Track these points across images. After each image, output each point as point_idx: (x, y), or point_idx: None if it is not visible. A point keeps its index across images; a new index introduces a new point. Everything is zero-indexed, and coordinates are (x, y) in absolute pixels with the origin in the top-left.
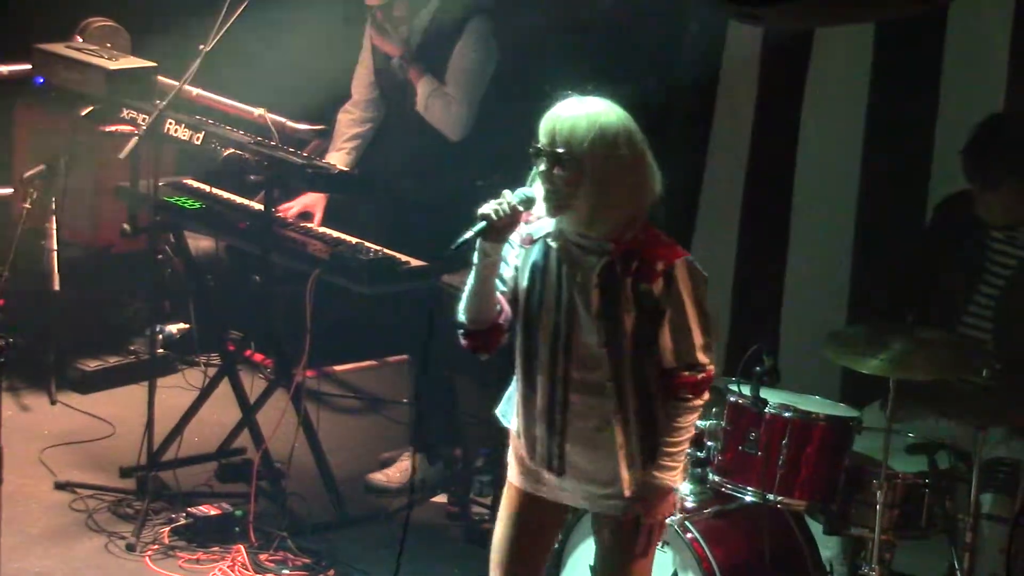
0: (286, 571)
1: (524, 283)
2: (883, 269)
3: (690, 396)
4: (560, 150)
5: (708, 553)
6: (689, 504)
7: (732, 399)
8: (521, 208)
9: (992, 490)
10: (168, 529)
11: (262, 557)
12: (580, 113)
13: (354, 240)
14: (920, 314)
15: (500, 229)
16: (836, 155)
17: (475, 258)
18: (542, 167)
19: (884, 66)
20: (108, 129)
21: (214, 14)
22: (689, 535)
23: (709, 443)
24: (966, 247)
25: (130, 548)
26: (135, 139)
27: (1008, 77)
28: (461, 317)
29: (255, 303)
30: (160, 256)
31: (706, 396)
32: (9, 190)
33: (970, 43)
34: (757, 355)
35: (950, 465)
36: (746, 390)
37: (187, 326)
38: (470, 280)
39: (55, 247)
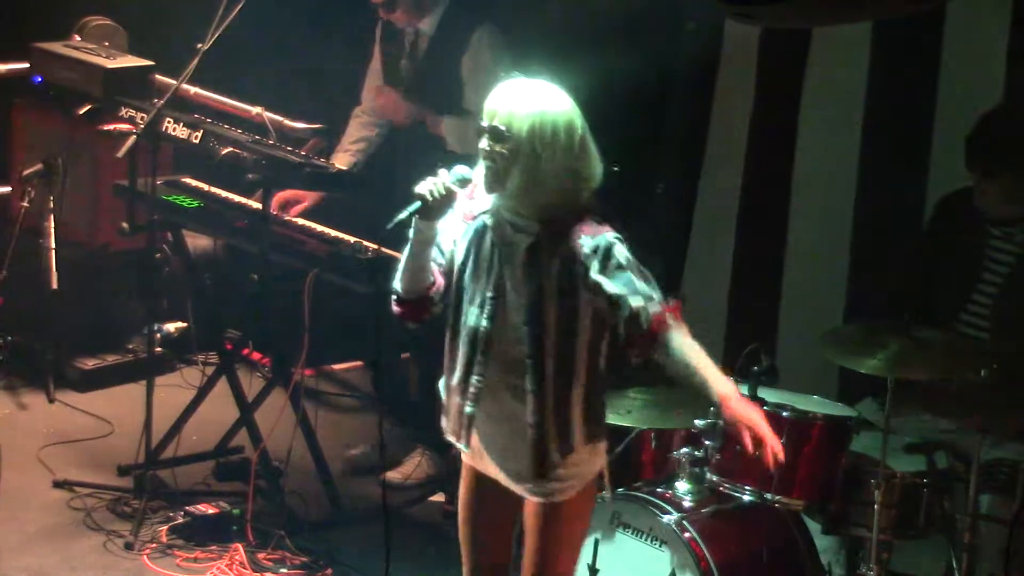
0: (284, 570)
1: (459, 257)
2: (881, 268)
3: (675, 322)
4: (500, 127)
5: (706, 552)
6: (687, 503)
7: None
8: (456, 188)
9: (990, 491)
10: (166, 528)
11: (260, 556)
12: (523, 93)
13: (352, 239)
14: (918, 313)
15: (435, 208)
16: (834, 154)
17: (410, 233)
18: (483, 144)
19: (882, 64)
20: (106, 128)
21: (212, 12)
22: (687, 534)
23: (707, 442)
24: (963, 245)
25: (128, 546)
26: (133, 137)
27: (1006, 74)
28: (395, 285)
29: (253, 302)
30: (158, 255)
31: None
32: (7, 189)
33: (968, 40)
34: (755, 354)
35: (948, 465)
36: (744, 389)
37: (185, 325)
38: (404, 252)
39: (53, 246)
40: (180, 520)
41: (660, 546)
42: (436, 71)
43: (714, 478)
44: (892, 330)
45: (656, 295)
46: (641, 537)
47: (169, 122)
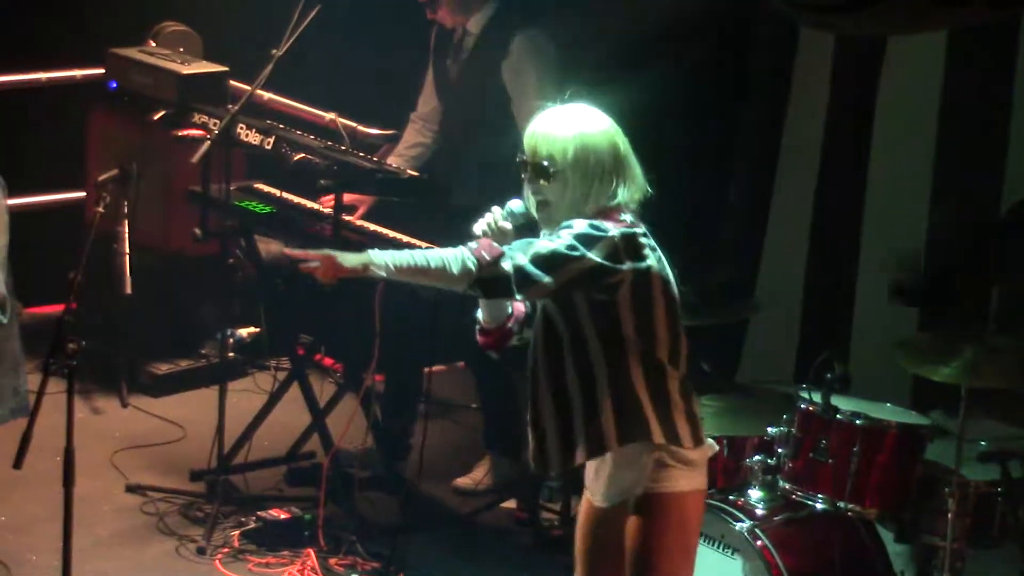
0: (356, 575)
1: None
2: (955, 278)
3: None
4: (544, 163)
5: (778, 560)
6: (759, 511)
7: (803, 406)
8: (509, 224)
9: None
10: (238, 533)
11: (331, 561)
12: (561, 124)
13: (424, 245)
14: (992, 321)
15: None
16: (908, 160)
17: None
18: (527, 178)
19: (957, 71)
20: (180, 133)
21: (287, 18)
22: (759, 543)
23: (779, 450)
24: None
25: (200, 551)
26: (207, 143)
27: None
28: (478, 314)
29: (325, 307)
30: (231, 260)
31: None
32: (82, 194)
33: None
34: (828, 362)
35: (1023, 474)
36: (817, 397)
37: (257, 330)
38: None
39: (127, 251)
40: (252, 525)
41: (732, 554)
42: (479, 74)
43: (786, 486)
44: (966, 338)
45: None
46: (713, 545)
47: (242, 128)
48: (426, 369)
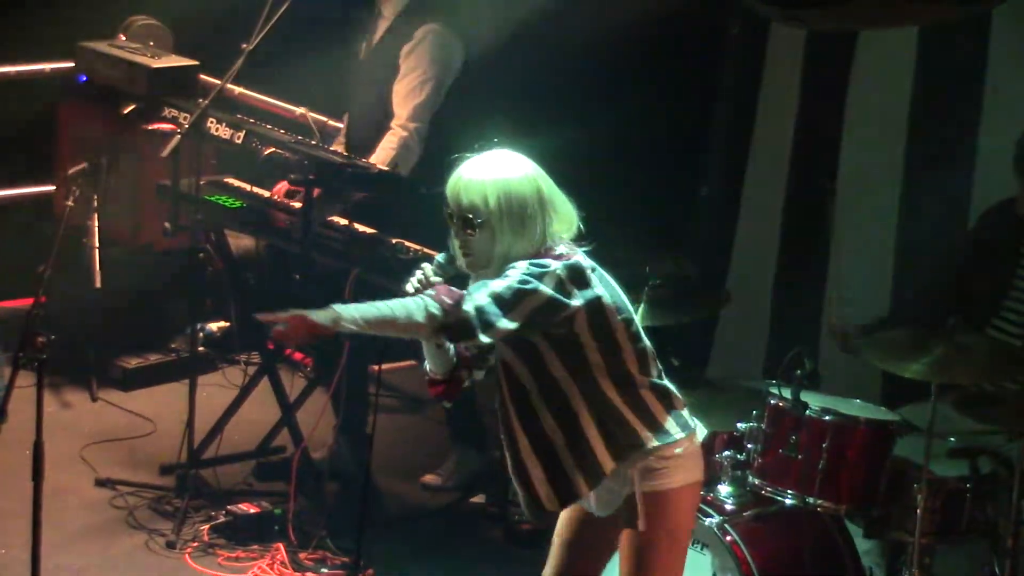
0: (325, 570)
1: None
2: (925, 274)
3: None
4: (469, 214)
5: (748, 556)
6: (729, 507)
7: (772, 402)
8: (440, 278)
9: None
10: (208, 527)
11: (301, 556)
12: (484, 174)
13: (394, 240)
14: (961, 318)
15: None
16: (879, 159)
17: None
18: (455, 230)
19: (928, 68)
20: (150, 127)
21: (257, 13)
22: (728, 538)
23: (749, 445)
24: (1001, 252)
25: (170, 545)
26: (177, 137)
27: None
28: (425, 366)
29: (295, 302)
30: (201, 255)
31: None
32: (52, 188)
33: (1014, 44)
34: (797, 358)
35: (992, 470)
36: (787, 393)
37: (227, 324)
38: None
39: (97, 245)
40: (222, 519)
41: (702, 549)
42: (381, 58)
43: (756, 481)
44: (935, 335)
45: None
46: None
47: (213, 122)
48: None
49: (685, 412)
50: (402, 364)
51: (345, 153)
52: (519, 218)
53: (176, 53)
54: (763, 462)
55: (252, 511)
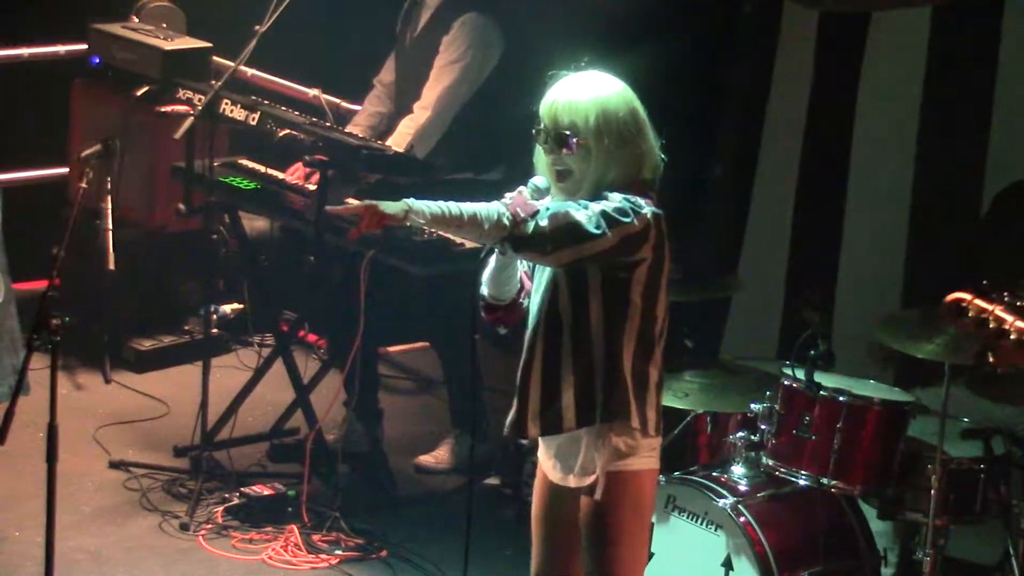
0: (339, 551)
1: None
2: (938, 255)
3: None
4: (566, 132)
5: (761, 537)
6: (742, 488)
7: (786, 383)
8: (536, 201)
9: None
10: (222, 509)
11: (315, 537)
12: (581, 91)
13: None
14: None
15: None
16: (891, 140)
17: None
18: (547, 148)
19: (941, 49)
20: (164, 109)
21: None
22: (742, 519)
23: (762, 426)
24: (1012, 235)
25: (184, 527)
26: (190, 119)
27: None
28: (483, 290)
29: (309, 283)
30: (215, 236)
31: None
32: (66, 170)
33: None
34: (811, 339)
35: (1006, 451)
36: (800, 374)
37: (241, 306)
38: (493, 258)
39: (110, 227)
40: (235, 501)
41: (715, 530)
42: (425, 49)
43: (770, 462)
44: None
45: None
46: (696, 521)
47: (226, 104)
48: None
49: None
50: (416, 346)
51: (360, 135)
52: (617, 138)
53: (189, 35)
54: (777, 443)
55: (266, 493)
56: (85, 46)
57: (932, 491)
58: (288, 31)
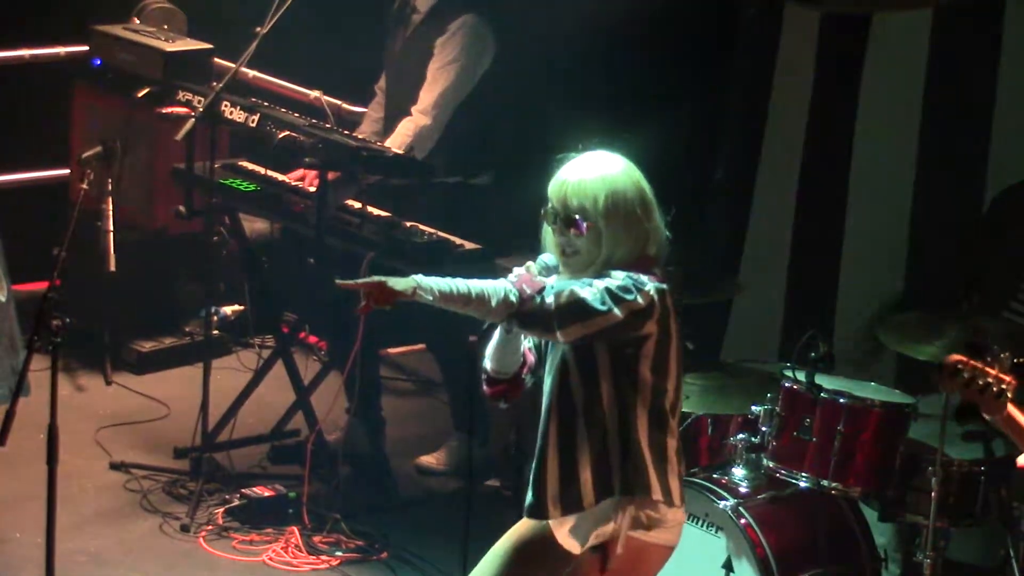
0: (339, 553)
1: None
2: (939, 256)
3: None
4: (576, 215)
5: (762, 539)
6: (743, 489)
7: (787, 384)
8: (545, 279)
9: None
10: (222, 510)
11: (316, 539)
12: (592, 174)
13: (408, 223)
14: (975, 301)
15: None
16: (893, 142)
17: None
18: (557, 229)
19: (942, 49)
20: (164, 111)
21: None
22: (743, 521)
23: (763, 428)
24: (1013, 237)
25: (184, 529)
26: (191, 121)
27: None
28: (486, 364)
29: (310, 285)
30: (215, 238)
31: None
32: (66, 171)
33: None
34: (812, 341)
35: (1007, 453)
36: (801, 376)
37: (242, 308)
38: (497, 332)
39: (111, 228)
40: (236, 503)
41: (716, 532)
42: (418, 51)
43: (770, 464)
44: (950, 318)
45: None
46: (697, 523)
47: (227, 106)
48: (399, 349)
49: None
50: (415, 348)
51: (361, 137)
52: (624, 220)
53: (190, 36)
54: (777, 445)
55: (266, 494)
56: (86, 47)
57: (932, 493)
58: (289, 33)
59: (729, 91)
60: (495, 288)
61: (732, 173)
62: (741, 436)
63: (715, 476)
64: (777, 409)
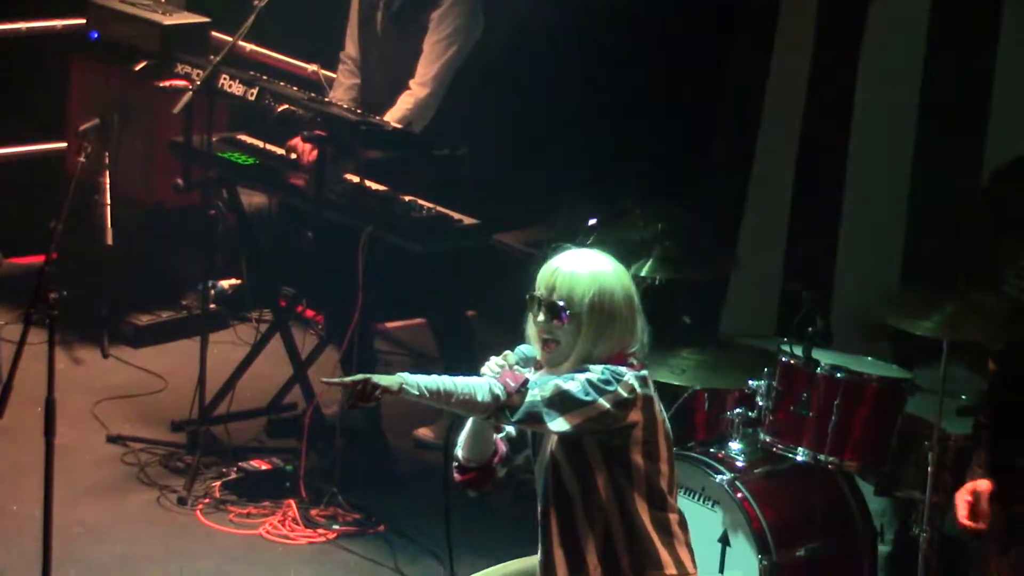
0: (336, 526)
1: None
2: (937, 230)
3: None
4: (560, 303)
5: (758, 513)
6: (740, 464)
7: (784, 359)
8: (523, 367)
9: None
10: (219, 483)
11: (312, 512)
12: (581, 267)
13: (407, 197)
14: (972, 276)
15: None
16: (892, 117)
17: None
18: (540, 316)
19: (942, 19)
20: (162, 84)
21: None
22: (739, 495)
23: (760, 403)
24: (1013, 210)
25: (181, 502)
26: (189, 94)
27: None
28: (457, 452)
29: (307, 259)
30: (213, 212)
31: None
32: (63, 144)
33: None
34: (809, 316)
35: None
36: (798, 351)
37: (239, 282)
38: (470, 421)
39: (108, 202)
40: (233, 476)
41: (712, 506)
42: (407, 28)
43: (767, 439)
44: (948, 292)
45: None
46: (693, 497)
47: (225, 79)
48: (396, 323)
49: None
50: (412, 322)
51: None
52: (608, 319)
53: (188, 9)
54: (774, 419)
55: (263, 467)
56: (83, 21)
57: (929, 468)
58: (287, 6)
59: (728, 63)
60: (480, 384)
61: (730, 149)
62: (738, 411)
63: (712, 450)
64: (774, 384)
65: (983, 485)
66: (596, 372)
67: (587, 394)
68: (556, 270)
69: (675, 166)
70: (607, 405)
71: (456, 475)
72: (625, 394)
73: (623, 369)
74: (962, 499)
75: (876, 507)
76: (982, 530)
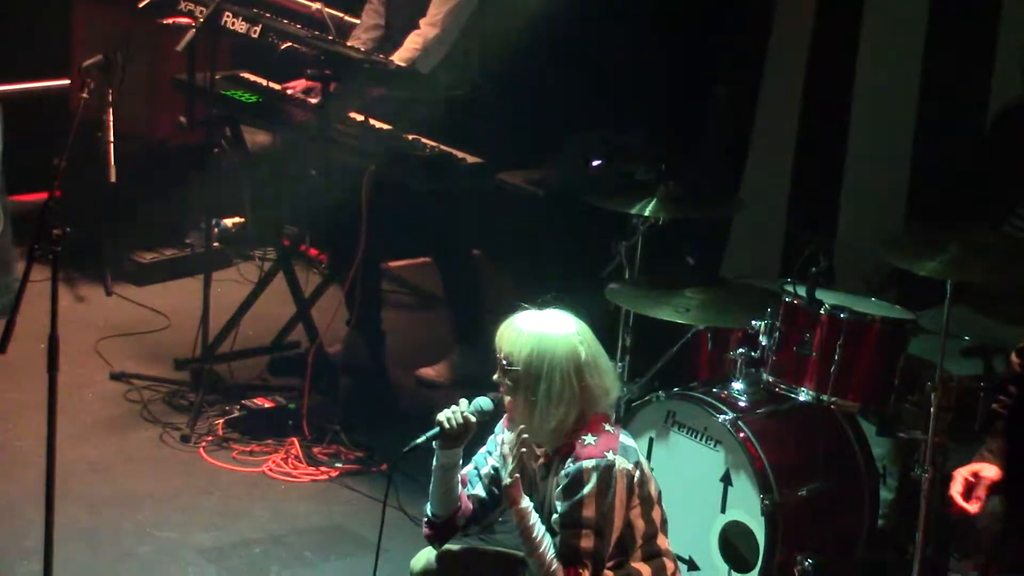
0: (339, 464)
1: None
2: (941, 172)
3: None
4: (504, 360)
5: (760, 452)
6: (742, 403)
7: (787, 299)
8: (474, 418)
9: None
10: (222, 421)
11: (315, 450)
12: (526, 328)
13: (411, 136)
14: (972, 217)
15: (452, 438)
16: (897, 57)
17: (435, 460)
18: (495, 373)
19: None
20: (166, 21)
21: None
22: (742, 434)
23: (763, 343)
24: (1011, 156)
25: (184, 439)
26: (192, 31)
27: None
28: (427, 509)
29: (311, 198)
30: (216, 149)
31: None
32: (67, 81)
33: None
34: (813, 256)
35: (1006, 368)
36: (801, 291)
37: (242, 220)
38: (434, 471)
39: (112, 139)
40: (236, 413)
41: (714, 446)
42: None
43: (770, 379)
44: (952, 233)
45: (586, 544)
46: (695, 437)
47: (228, 16)
48: (400, 262)
49: None
50: (416, 261)
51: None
52: (547, 377)
53: None
54: (777, 359)
55: (266, 406)
56: None
57: (932, 408)
58: None
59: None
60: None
61: (734, 90)
62: (741, 351)
63: (714, 390)
64: (777, 323)
65: (989, 472)
66: (591, 481)
67: (603, 501)
68: (508, 325)
69: (679, 107)
70: (620, 518)
71: (424, 529)
72: (624, 488)
73: (608, 454)
74: (961, 475)
75: (880, 451)
76: (968, 513)
